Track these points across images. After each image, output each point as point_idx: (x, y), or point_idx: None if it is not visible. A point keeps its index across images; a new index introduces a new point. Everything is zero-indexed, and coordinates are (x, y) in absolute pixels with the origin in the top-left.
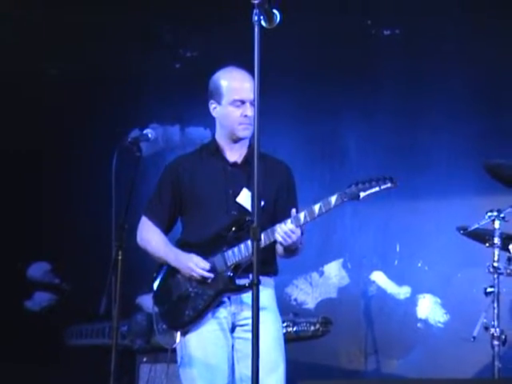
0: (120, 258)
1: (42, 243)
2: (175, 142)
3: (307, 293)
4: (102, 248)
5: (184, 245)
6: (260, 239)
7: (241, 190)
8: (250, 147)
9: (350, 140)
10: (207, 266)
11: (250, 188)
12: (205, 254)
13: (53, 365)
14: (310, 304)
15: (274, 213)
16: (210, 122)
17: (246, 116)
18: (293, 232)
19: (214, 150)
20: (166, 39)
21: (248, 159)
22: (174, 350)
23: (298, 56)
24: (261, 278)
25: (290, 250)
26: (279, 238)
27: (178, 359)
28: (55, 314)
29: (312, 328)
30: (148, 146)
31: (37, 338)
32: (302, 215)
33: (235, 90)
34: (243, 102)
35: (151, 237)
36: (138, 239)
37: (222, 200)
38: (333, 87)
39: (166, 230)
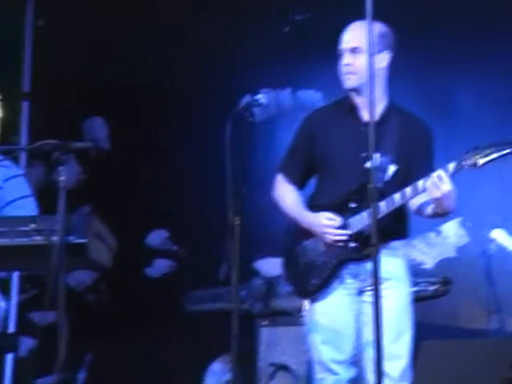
0: (237, 223)
1: (160, 211)
2: (287, 106)
3: (425, 253)
4: (219, 214)
5: (313, 206)
6: (378, 209)
7: (372, 153)
8: (389, 104)
9: (465, 96)
10: (338, 222)
11: (382, 151)
12: None
13: (174, 330)
14: (429, 264)
15: (406, 176)
16: (320, 84)
17: (345, 65)
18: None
19: (348, 107)
20: (274, 3)
21: (385, 117)
22: (299, 314)
23: (411, 12)
24: (390, 243)
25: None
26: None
27: (306, 326)
28: (175, 280)
29: (431, 288)
30: (260, 111)
31: (158, 305)
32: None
33: (339, 42)
34: (343, 52)
35: (284, 195)
36: (274, 196)
37: (351, 163)
38: (446, 41)
39: (301, 186)
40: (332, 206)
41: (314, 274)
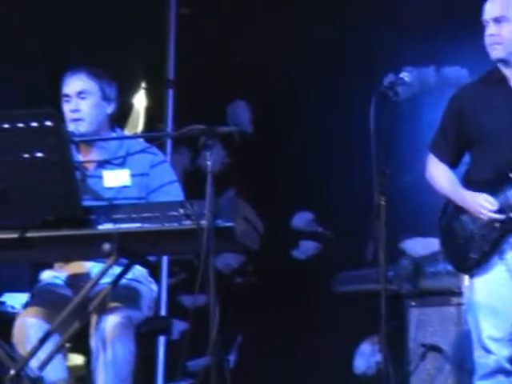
0: (383, 203)
1: (304, 192)
2: (431, 83)
3: None
4: (364, 194)
5: (470, 182)
6: None
7: None
8: None
9: None
10: (495, 206)
11: None
12: (490, 194)
13: (322, 312)
14: None
15: None
16: (465, 60)
17: (490, 35)
18: None
19: (497, 79)
20: None
21: None
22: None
23: None
24: None
25: None
26: None
27: (465, 303)
28: (321, 261)
29: None
30: (404, 89)
31: (305, 286)
32: None
33: (482, 13)
34: (487, 22)
35: (437, 174)
36: (427, 176)
37: (507, 134)
38: None
39: (453, 164)
40: (487, 180)
41: (473, 248)
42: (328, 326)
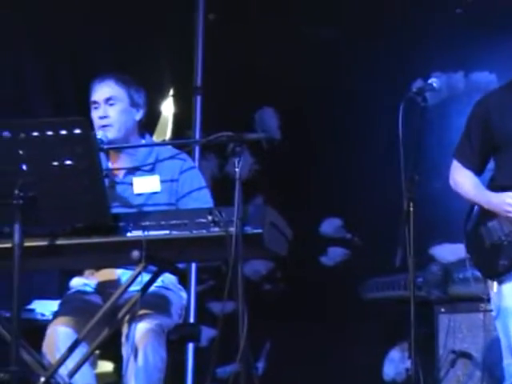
0: (411, 209)
1: (332, 199)
2: (459, 89)
3: None
4: (392, 200)
5: (495, 188)
6: None
7: None
8: None
9: None
10: None
11: None
12: None
13: (351, 318)
14: None
15: None
16: (494, 65)
17: None
18: None
19: None
20: None
21: None
22: (488, 300)
23: None
24: None
25: None
26: None
27: (494, 310)
28: (350, 268)
29: None
30: (432, 95)
31: (334, 293)
32: None
33: None
34: None
35: (461, 180)
36: (451, 183)
37: None
38: None
39: (478, 171)
40: None
41: (502, 255)
42: (357, 333)
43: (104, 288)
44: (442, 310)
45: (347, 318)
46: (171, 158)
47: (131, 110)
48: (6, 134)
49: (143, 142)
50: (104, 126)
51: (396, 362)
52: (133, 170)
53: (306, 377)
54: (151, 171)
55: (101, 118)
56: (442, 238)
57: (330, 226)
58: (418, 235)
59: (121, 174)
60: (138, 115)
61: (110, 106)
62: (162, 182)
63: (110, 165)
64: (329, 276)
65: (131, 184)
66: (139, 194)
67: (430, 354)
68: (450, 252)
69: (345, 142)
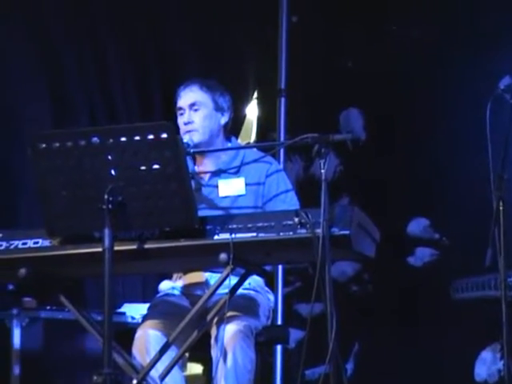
0: (501, 208)
1: (420, 198)
2: None
3: None
4: (481, 200)
5: None
6: None
7: None
8: None
9: None
10: None
11: None
12: None
13: (440, 319)
14: None
15: None
16: None
17: None
18: None
19: None
20: None
21: None
22: None
23: None
24: None
25: None
26: None
27: None
28: (438, 268)
29: None
30: None
31: (422, 294)
32: None
33: None
34: None
35: None
36: None
37: None
38: None
39: None
40: None
41: None
42: (447, 333)
43: (191, 291)
44: None
45: (437, 318)
46: (257, 160)
47: (216, 115)
48: (95, 139)
49: (229, 145)
50: (189, 132)
51: (488, 363)
52: (218, 173)
53: (395, 377)
54: (236, 173)
55: (185, 123)
56: None
57: (418, 226)
58: (508, 234)
59: (206, 176)
60: (223, 119)
61: (195, 111)
62: (248, 184)
63: (196, 168)
64: (417, 276)
65: (216, 186)
66: (225, 197)
67: None
68: None
69: (432, 140)
